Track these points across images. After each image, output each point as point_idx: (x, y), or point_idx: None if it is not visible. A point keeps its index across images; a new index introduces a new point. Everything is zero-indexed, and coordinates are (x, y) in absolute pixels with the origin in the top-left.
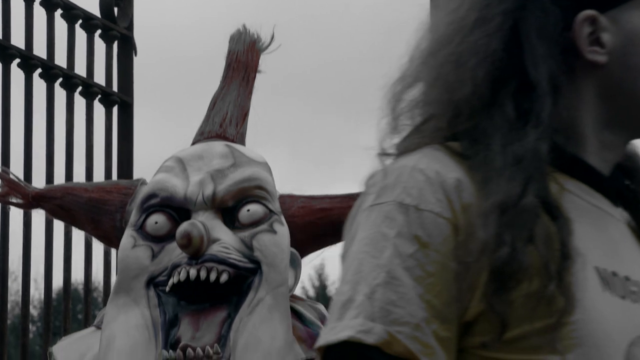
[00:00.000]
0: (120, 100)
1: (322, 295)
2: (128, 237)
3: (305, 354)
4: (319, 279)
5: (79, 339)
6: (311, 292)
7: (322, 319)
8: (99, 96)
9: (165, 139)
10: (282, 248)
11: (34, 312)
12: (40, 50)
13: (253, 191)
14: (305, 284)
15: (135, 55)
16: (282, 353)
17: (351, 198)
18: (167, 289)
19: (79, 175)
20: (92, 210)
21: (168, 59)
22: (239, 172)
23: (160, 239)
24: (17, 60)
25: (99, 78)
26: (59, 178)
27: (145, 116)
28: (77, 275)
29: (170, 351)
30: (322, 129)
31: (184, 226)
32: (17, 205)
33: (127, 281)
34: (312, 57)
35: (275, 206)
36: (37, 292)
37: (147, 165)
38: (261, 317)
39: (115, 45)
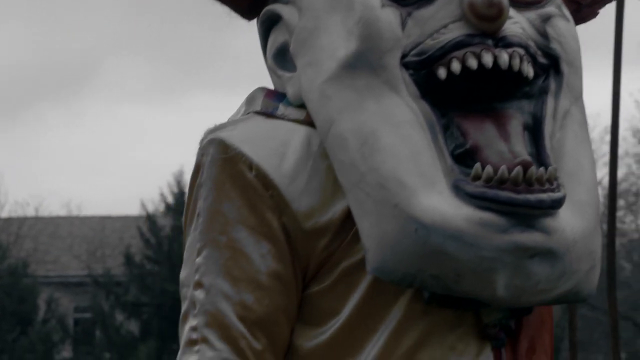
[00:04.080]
0: None
1: (180, 202)
2: None
3: None
4: (178, 186)
5: (263, 131)
6: (170, 199)
7: None
8: None
9: None
10: (579, 43)
11: None
12: None
13: None
14: (163, 190)
15: None
16: (596, 187)
17: None
18: (448, 73)
19: None
20: None
21: None
22: None
23: (405, 2)
24: None
25: None
26: None
27: None
28: None
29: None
30: (184, 35)
31: None
32: None
33: (377, 54)
34: None
35: None
36: None
37: None
38: (575, 136)
39: None
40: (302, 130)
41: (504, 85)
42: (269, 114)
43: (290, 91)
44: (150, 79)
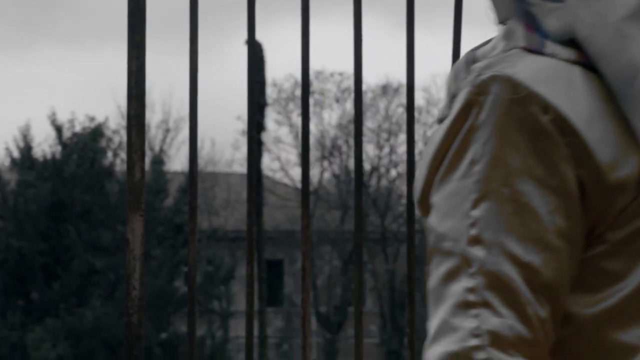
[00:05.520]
0: None
1: (27, 157)
2: None
3: None
4: (24, 140)
5: (545, 70)
6: (16, 154)
7: None
8: None
9: None
10: None
11: None
12: None
13: None
14: (9, 144)
15: None
16: None
17: None
18: None
19: None
20: None
21: None
22: None
23: None
24: None
25: None
26: None
27: None
28: None
29: None
30: None
31: None
32: None
33: None
34: None
35: None
36: None
37: None
38: None
39: None
40: (577, 71)
41: None
42: (536, 51)
43: (554, 24)
44: None
